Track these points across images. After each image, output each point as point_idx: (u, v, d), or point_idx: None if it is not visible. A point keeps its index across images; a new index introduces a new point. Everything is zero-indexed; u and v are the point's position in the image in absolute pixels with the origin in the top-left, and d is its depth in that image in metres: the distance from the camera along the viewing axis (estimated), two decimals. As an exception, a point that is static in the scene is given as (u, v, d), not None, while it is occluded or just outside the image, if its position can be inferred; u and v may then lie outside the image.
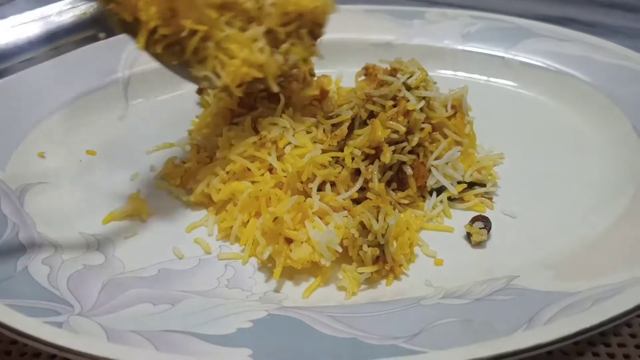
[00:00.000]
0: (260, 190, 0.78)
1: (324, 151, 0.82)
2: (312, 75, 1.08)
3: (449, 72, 1.16)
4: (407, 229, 0.77)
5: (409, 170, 0.84)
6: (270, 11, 0.81)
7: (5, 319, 0.58)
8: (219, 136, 0.93)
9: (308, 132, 0.85)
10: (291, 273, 0.72)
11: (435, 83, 1.00)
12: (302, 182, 0.79)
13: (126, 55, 1.16)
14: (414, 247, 0.77)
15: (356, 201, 0.81)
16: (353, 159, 0.82)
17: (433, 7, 1.31)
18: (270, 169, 0.81)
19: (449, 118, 0.91)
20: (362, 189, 0.82)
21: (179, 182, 0.89)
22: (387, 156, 0.81)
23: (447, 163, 0.86)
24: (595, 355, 0.67)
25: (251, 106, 0.99)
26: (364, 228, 0.73)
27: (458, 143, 0.91)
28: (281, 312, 0.63)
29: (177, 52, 0.80)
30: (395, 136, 0.83)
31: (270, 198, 0.78)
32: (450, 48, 1.20)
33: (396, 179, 0.85)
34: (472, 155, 0.90)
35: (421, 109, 0.86)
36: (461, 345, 0.55)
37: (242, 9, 0.79)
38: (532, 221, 0.81)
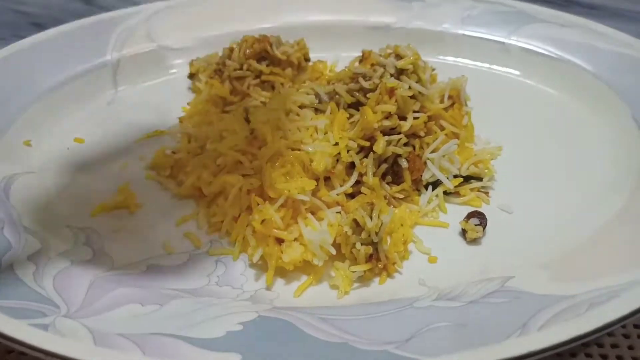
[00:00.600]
0: (251, 184, 0.76)
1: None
2: (307, 60, 1.06)
3: (448, 58, 1.13)
4: (402, 225, 0.75)
5: (404, 163, 0.82)
6: None
7: (-11, 321, 0.57)
8: (210, 125, 0.91)
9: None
10: (283, 271, 0.71)
11: (433, 70, 0.97)
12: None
13: (115, 36, 1.13)
14: (408, 244, 0.75)
15: (350, 195, 0.80)
16: (348, 151, 0.80)
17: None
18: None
19: (446, 109, 0.89)
20: (357, 183, 0.80)
21: (168, 172, 0.87)
22: (380, 146, 0.79)
23: (443, 156, 0.84)
24: (588, 356, 0.67)
25: (243, 94, 0.97)
26: (357, 225, 0.71)
27: (455, 135, 0.89)
28: (272, 313, 0.62)
29: None
30: (387, 123, 0.81)
31: (261, 193, 0.76)
32: (450, 32, 1.17)
33: (391, 172, 0.83)
34: (469, 147, 0.88)
35: (414, 96, 0.84)
36: (453, 352, 0.54)
37: None
38: (528, 217, 0.80)
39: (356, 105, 0.85)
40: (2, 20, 1.45)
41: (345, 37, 1.18)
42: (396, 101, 0.82)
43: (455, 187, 0.83)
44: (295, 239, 0.72)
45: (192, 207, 0.82)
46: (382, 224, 0.71)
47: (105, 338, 0.57)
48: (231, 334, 0.59)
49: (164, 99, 1.05)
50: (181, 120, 0.98)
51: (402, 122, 0.82)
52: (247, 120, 0.88)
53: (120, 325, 0.59)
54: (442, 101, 0.90)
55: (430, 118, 0.87)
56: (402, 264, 0.73)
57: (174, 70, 1.12)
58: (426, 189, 0.84)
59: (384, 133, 0.82)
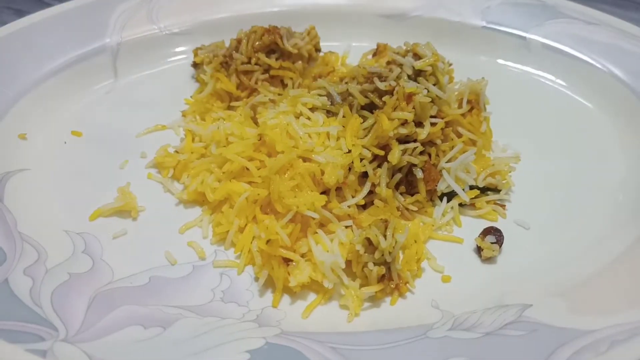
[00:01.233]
0: (259, 194, 0.72)
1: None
2: (318, 50, 1.01)
3: (466, 53, 1.07)
4: (415, 241, 0.72)
5: (419, 173, 0.78)
6: None
7: (-17, 345, 0.54)
8: (215, 121, 0.86)
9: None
10: (291, 290, 0.68)
11: (450, 65, 0.92)
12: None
13: (115, 17, 1.06)
14: (421, 262, 0.72)
15: (362, 206, 0.77)
16: (361, 160, 0.76)
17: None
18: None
19: (464, 115, 0.85)
20: (369, 193, 0.77)
21: (171, 173, 0.83)
22: (395, 155, 0.76)
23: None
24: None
25: (251, 89, 0.93)
26: (370, 244, 0.68)
27: (472, 142, 0.85)
28: (280, 340, 0.60)
29: None
30: (404, 131, 0.76)
31: (269, 202, 0.72)
32: (468, 24, 1.10)
33: (405, 182, 0.79)
34: (486, 156, 0.84)
35: (432, 100, 0.79)
36: (470, 395, 0.52)
37: None
38: (546, 235, 0.77)
39: (370, 107, 0.80)
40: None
41: (357, 25, 1.13)
42: (414, 107, 0.77)
43: (471, 199, 0.80)
44: (303, 254, 0.69)
45: (196, 212, 0.79)
46: (396, 243, 0.68)
47: (106, 367, 0.54)
48: (237, 364, 0.56)
49: (166, 88, 1.00)
50: (184, 114, 0.94)
51: (418, 130, 0.78)
52: (255, 120, 0.83)
53: (122, 352, 0.57)
54: (460, 106, 0.85)
55: (447, 124, 0.83)
56: (415, 283, 0.70)
57: (176, 58, 1.06)
58: (441, 200, 0.80)
59: (399, 141, 0.77)
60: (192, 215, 0.78)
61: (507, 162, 0.84)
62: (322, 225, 0.72)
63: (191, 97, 0.98)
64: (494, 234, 0.74)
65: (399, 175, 0.78)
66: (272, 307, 0.66)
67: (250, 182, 0.75)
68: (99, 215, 0.77)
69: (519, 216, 0.79)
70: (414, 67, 0.81)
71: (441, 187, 0.80)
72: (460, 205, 0.80)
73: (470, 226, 0.78)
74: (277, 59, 0.93)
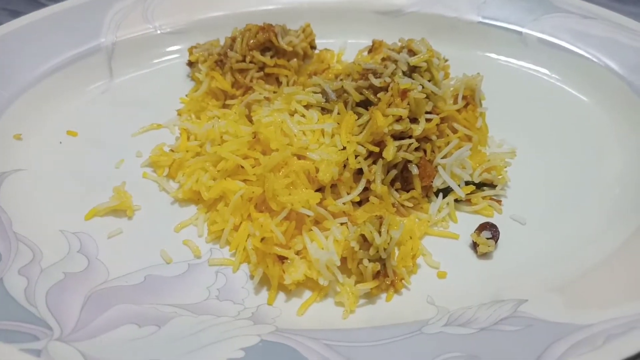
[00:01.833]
0: (253, 192, 0.72)
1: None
2: (314, 48, 1.01)
3: (462, 48, 1.06)
4: (410, 237, 0.72)
5: (414, 170, 0.78)
6: None
7: (-22, 345, 0.54)
8: (210, 120, 0.86)
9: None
10: (286, 287, 0.68)
11: (446, 61, 0.92)
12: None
13: (110, 17, 1.06)
14: (417, 258, 0.72)
15: (357, 203, 0.77)
16: (356, 157, 0.76)
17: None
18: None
19: (459, 110, 0.84)
20: (364, 190, 0.77)
21: (166, 172, 0.83)
22: (390, 152, 0.75)
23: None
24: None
25: (246, 87, 0.92)
26: (365, 241, 0.68)
27: (468, 137, 0.84)
28: (275, 338, 0.60)
29: None
30: (398, 127, 0.76)
31: (263, 200, 0.72)
32: (464, 19, 1.10)
33: (400, 178, 0.79)
34: (481, 152, 0.84)
35: (427, 96, 0.79)
36: (465, 390, 0.52)
37: None
38: (542, 230, 0.76)
39: (365, 104, 0.80)
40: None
41: (353, 22, 1.12)
42: (408, 103, 0.77)
43: (467, 194, 0.79)
44: (298, 252, 0.69)
45: (192, 210, 0.79)
46: (391, 240, 0.68)
47: (100, 366, 0.54)
48: (232, 361, 0.56)
49: (161, 87, 1.00)
50: (179, 113, 0.94)
51: (413, 126, 0.78)
52: (250, 118, 0.83)
53: (117, 351, 0.57)
54: (455, 102, 0.85)
55: (442, 120, 0.82)
56: (410, 279, 0.70)
57: (171, 57, 1.06)
58: (436, 196, 0.80)
59: (394, 137, 0.77)
60: (187, 213, 0.78)
61: (503, 158, 0.84)
62: (317, 222, 0.72)
63: (186, 95, 0.98)
64: (489, 229, 0.74)
65: (394, 172, 0.78)
66: (267, 304, 0.66)
67: (245, 180, 0.75)
68: (95, 215, 0.77)
69: (515, 212, 0.79)
70: (408, 64, 0.81)
71: (437, 183, 0.80)
72: (456, 201, 0.80)
73: (466, 222, 0.78)
74: (272, 57, 0.92)
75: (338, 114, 0.79)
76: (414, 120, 0.79)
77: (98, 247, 0.72)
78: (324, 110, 0.81)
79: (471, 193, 0.80)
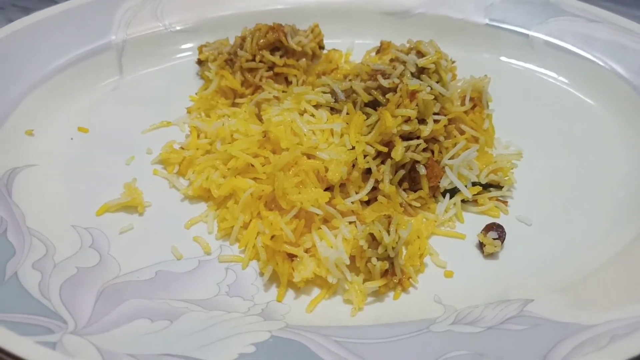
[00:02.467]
0: (263, 190, 0.73)
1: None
2: (322, 48, 1.01)
3: (469, 50, 1.07)
4: (418, 237, 0.73)
5: (422, 170, 0.79)
6: None
7: (-5, 337, 0.55)
8: (220, 118, 0.87)
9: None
10: (295, 284, 0.69)
11: (453, 62, 0.93)
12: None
13: (120, 14, 1.07)
14: (424, 257, 0.73)
15: (366, 202, 0.77)
16: (365, 156, 0.77)
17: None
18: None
19: (466, 112, 0.85)
20: (373, 189, 0.78)
21: (177, 169, 0.84)
22: (398, 152, 0.76)
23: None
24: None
25: (255, 86, 0.93)
26: (373, 239, 0.69)
27: (475, 139, 0.85)
28: (285, 334, 0.61)
29: None
30: (407, 128, 0.77)
31: (273, 199, 0.73)
32: (472, 21, 1.11)
33: (408, 178, 0.80)
34: (488, 153, 0.85)
35: (435, 98, 0.80)
36: (472, 387, 0.53)
37: None
38: (548, 231, 0.77)
39: (373, 104, 0.81)
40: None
41: (360, 22, 1.13)
42: (417, 104, 0.78)
43: (474, 195, 0.80)
44: (307, 250, 0.70)
45: (202, 207, 0.80)
46: (399, 239, 0.69)
47: (114, 358, 0.55)
48: (243, 356, 0.57)
49: (171, 85, 1.01)
50: (189, 110, 0.94)
51: (422, 127, 0.79)
52: (259, 117, 0.84)
53: (130, 345, 0.57)
54: (463, 103, 0.86)
55: (450, 121, 0.83)
56: (417, 278, 0.71)
57: (181, 55, 1.07)
58: (443, 197, 0.81)
59: (403, 137, 0.78)
60: (197, 210, 0.79)
61: (509, 159, 0.85)
62: (325, 221, 0.73)
63: (196, 94, 0.98)
64: (496, 230, 0.75)
65: (402, 172, 0.79)
66: (276, 301, 0.67)
67: (254, 179, 0.76)
68: (106, 211, 0.78)
69: (521, 212, 0.80)
70: (417, 65, 0.82)
71: (444, 184, 0.80)
72: (463, 201, 0.81)
73: (473, 222, 0.79)
74: (281, 57, 0.93)
75: (347, 114, 0.80)
76: (422, 121, 0.80)
77: (110, 243, 0.73)
78: (333, 110, 0.82)
79: (478, 194, 0.81)
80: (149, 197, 0.80)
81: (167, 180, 0.84)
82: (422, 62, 0.82)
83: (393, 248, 0.68)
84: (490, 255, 0.74)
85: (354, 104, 0.81)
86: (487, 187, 0.82)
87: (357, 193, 0.76)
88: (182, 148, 0.85)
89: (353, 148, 0.77)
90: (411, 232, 0.71)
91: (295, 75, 0.94)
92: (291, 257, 0.68)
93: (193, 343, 0.58)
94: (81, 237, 0.73)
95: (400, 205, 0.79)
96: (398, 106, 0.77)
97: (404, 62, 0.83)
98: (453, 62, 0.93)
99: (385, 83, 0.80)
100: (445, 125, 0.82)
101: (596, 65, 1.01)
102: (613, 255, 0.71)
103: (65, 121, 0.91)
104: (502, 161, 0.84)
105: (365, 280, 0.69)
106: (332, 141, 0.77)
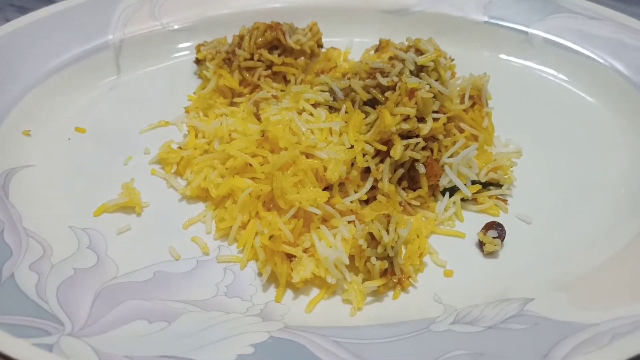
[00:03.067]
0: (262, 189, 0.72)
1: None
2: (320, 46, 1.01)
3: (468, 48, 1.07)
4: (418, 236, 0.73)
5: (421, 169, 0.79)
6: None
7: (-9, 340, 0.55)
8: (218, 117, 0.87)
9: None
10: (294, 284, 0.68)
11: (452, 60, 0.93)
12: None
13: (118, 14, 1.07)
14: (424, 257, 0.73)
15: (365, 201, 0.77)
16: (364, 155, 0.76)
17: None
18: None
19: (465, 110, 0.85)
20: (372, 188, 0.77)
21: (175, 169, 0.83)
22: (397, 151, 0.76)
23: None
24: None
25: (254, 85, 0.93)
26: (372, 239, 0.68)
27: (474, 137, 0.85)
28: (284, 334, 0.60)
29: None
30: (406, 126, 0.77)
31: (272, 198, 0.73)
32: (471, 19, 1.10)
33: (407, 177, 0.80)
34: (488, 151, 0.85)
35: (434, 96, 0.79)
36: (472, 387, 0.53)
37: None
38: (548, 230, 0.77)
39: (372, 103, 0.80)
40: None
41: (359, 21, 1.12)
42: (416, 103, 0.77)
43: (473, 194, 0.80)
44: (306, 250, 0.69)
45: (200, 207, 0.79)
46: (399, 238, 0.68)
47: (111, 360, 0.55)
48: (242, 357, 0.57)
49: (168, 84, 1.01)
50: (187, 110, 0.94)
51: (421, 125, 0.78)
52: (257, 116, 0.84)
53: (127, 346, 0.57)
54: (462, 101, 0.85)
55: (449, 119, 0.83)
56: (417, 278, 0.71)
57: (179, 54, 1.06)
58: (443, 195, 0.81)
59: (402, 136, 0.78)
60: (195, 210, 0.79)
61: (509, 157, 0.84)
62: (324, 220, 0.73)
63: (194, 93, 0.98)
64: (496, 228, 0.75)
65: (401, 171, 0.78)
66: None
67: (253, 178, 0.76)
68: (104, 211, 0.77)
69: (520, 211, 0.80)
70: (416, 63, 0.82)
71: (443, 182, 0.80)
72: (463, 200, 0.80)
73: (472, 221, 0.78)
74: (279, 55, 0.93)
75: (346, 112, 0.79)
76: (421, 119, 0.79)
77: (107, 243, 0.73)
78: (332, 109, 0.81)
79: (477, 192, 0.80)
80: (146, 197, 0.80)
81: (165, 180, 0.83)
82: (421, 60, 0.81)
83: (392, 247, 0.68)
84: (490, 254, 0.74)
85: (353, 102, 0.80)
86: (486, 185, 0.82)
87: (356, 192, 0.76)
88: (180, 148, 0.85)
89: (352, 147, 0.76)
90: (410, 231, 0.70)
91: (294, 74, 0.94)
92: (290, 257, 0.68)
93: (191, 344, 0.58)
94: (78, 238, 0.73)
95: (400, 204, 0.78)
96: (397, 104, 0.77)
97: (402, 60, 0.82)
98: (452, 60, 0.93)
99: (384, 81, 0.79)
100: (444, 124, 0.81)
101: (596, 63, 1.00)
102: (613, 254, 0.71)
103: (63, 121, 0.91)
104: (502, 159, 0.84)
105: (364, 280, 0.68)
106: (331, 140, 0.77)
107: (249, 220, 0.74)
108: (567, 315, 0.61)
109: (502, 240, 0.74)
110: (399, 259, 0.69)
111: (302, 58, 0.95)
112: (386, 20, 1.12)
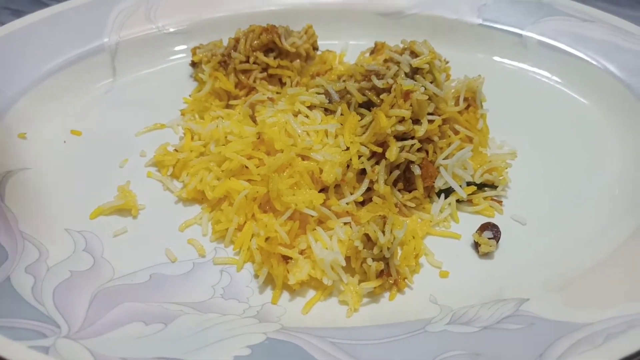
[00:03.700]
0: (257, 191, 0.73)
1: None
2: (316, 49, 1.01)
3: (463, 51, 1.07)
4: (413, 237, 0.73)
5: (417, 170, 0.79)
6: None
7: (-13, 343, 0.55)
8: (213, 120, 0.87)
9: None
10: (290, 286, 0.68)
11: (447, 63, 0.93)
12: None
13: (113, 17, 1.07)
14: (420, 258, 0.73)
15: (360, 203, 0.77)
16: (359, 157, 0.76)
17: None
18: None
19: (460, 112, 0.85)
20: (367, 190, 0.78)
21: (171, 171, 0.83)
22: (393, 152, 0.76)
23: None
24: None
25: (249, 88, 0.93)
26: (368, 240, 0.69)
27: (469, 138, 0.85)
28: (280, 335, 0.60)
29: None
30: (401, 128, 0.77)
31: (268, 200, 0.73)
32: (465, 21, 1.11)
33: (403, 178, 0.80)
34: (482, 153, 0.85)
35: (429, 98, 0.80)
36: (468, 387, 0.53)
37: None
38: (542, 230, 0.77)
39: (367, 105, 0.81)
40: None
41: (354, 23, 1.13)
42: (411, 105, 0.78)
43: (469, 195, 0.80)
44: (302, 251, 0.69)
45: (196, 209, 0.80)
46: (394, 239, 0.68)
47: (108, 362, 0.55)
48: (239, 359, 0.57)
49: (164, 87, 1.01)
50: (183, 112, 0.94)
51: (416, 127, 0.79)
52: (253, 119, 0.84)
53: (124, 348, 0.57)
54: (457, 103, 0.86)
55: (444, 121, 0.83)
56: (413, 279, 0.71)
57: (175, 57, 1.06)
58: (438, 197, 0.81)
59: (397, 138, 0.78)
60: (191, 213, 0.79)
61: (503, 159, 0.85)
62: (320, 222, 0.73)
63: (190, 95, 0.98)
64: (491, 229, 0.75)
65: (396, 172, 0.79)
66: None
67: (249, 180, 0.76)
68: (100, 214, 0.77)
69: (515, 212, 0.80)
70: (411, 65, 0.82)
71: (439, 184, 0.80)
72: (458, 201, 0.81)
73: (468, 222, 0.79)
74: (275, 58, 0.93)
75: (341, 114, 0.80)
76: (416, 121, 0.80)
77: (103, 246, 0.73)
78: (327, 111, 0.82)
79: (472, 193, 0.81)
80: (142, 199, 0.80)
81: (161, 182, 0.83)
82: (416, 62, 0.82)
83: (388, 248, 0.68)
84: (486, 255, 0.74)
85: (348, 104, 0.81)
86: (481, 186, 0.82)
87: (351, 194, 0.76)
88: (176, 150, 0.85)
89: (347, 149, 0.76)
90: (406, 232, 0.71)
91: (289, 77, 0.94)
92: (286, 259, 0.68)
93: (188, 346, 0.58)
94: (74, 241, 0.73)
95: (395, 205, 0.79)
96: (392, 106, 0.77)
97: (397, 63, 0.83)
98: (447, 62, 0.93)
99: (379, 83, 0.80)
100: (439, 126, 0.82)
101: (589, 65, 1.01)
102: (608, 254, 0.71)
103: (58, 124, 0.91)
104: (497, 161, 0.84)
105: (360, 281, 0.69)
106: (327, 142, 0.77)
107: (245, 222, 0.74)
108: (562, 315, 0.62)
109: (497, 241, 0.75)
110: (395, 260, 0.69)
111: (298, 61, 0.95)
112: (381, 22, 1.12)
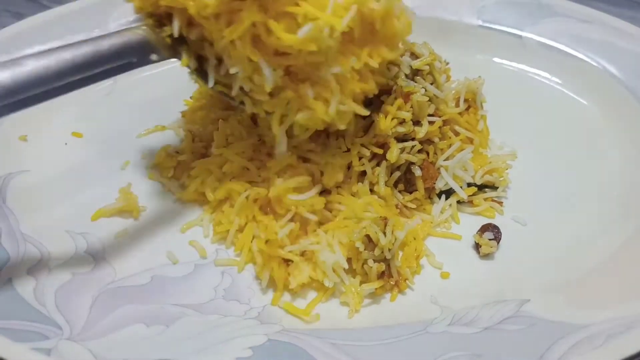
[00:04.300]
0: (258, 193, 0.73)
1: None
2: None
3: (462, 52, 1.08)
4: (414, 238, 0.73)
5: (417, 171, 0.79)
6: None
7: (-11, 344, 0.55)
8: (215, 122, 0.87)
9: None
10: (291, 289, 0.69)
11: (447, 64, 0.93)
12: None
13: (115, 19, 1.07)
14: (421, 259, 0.73)
15: (361, 204, 0.78)
16: (360, 158, 0.77)
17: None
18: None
19: (461, 113, 0.86)
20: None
21: (172, 173, 0.84)
22: (393, 154, 0.76)
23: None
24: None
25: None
26: (369, 241, 0.69)
27: (469, 140, 0.85)
28: (281, 337, 0.61)
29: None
30: (402, 130, 0.77)
31: (268, 202, 0.73)
32: (465, 23, 1.11)
33: (403, 180, 0.80)
34: (483, 154, 0.85)
35: (429, 99, 0.80)
36: (470, 388, 0.53)
37: None
38: (543, 231, 0.77)
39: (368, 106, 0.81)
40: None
41: (354, 25, 1.13)
42: (411, 106, 0.78)
43: (469, 196, 0.81)
44: (303, 253, 0.70)
45: (197, 211, 0.80)
46: (396, 240, 0.69)
47: (110, 364, 0.55)
48: (240, 360, 0.57)
49: (165, 89, 1.01)
50: (184, 114, 0.94)
51: (416, 128, 0.79)
52: (254, 121, 0.84)
53: (125, 350, 0.57)
54: (457, 105, 0.86)
55: (445, 122, 0.83)
56: (414, 280, 0.71)
57: (175, 59, 1.06)
58: (439, 198, 0.81)
59: (398, 139, 0.78)
60: (192, 214, 0.79)
61: (504, 160, 0.85)
62: (321, 223, 0.73)
63: (191, 97, 0.98)
64: (491, 230, 0.75)
65: (397, 174, 0.79)
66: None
67: (250, 182, 0.76)
68: (101, 216, 0.77)
69: (516, 213, 0.80)
70: (411, 67, 0.82)
71: (439, 185, 0.81)
72: (458, 202, 0.81)
73: (469, 223, 0.79)
74: (275, 59, 0.93)
75: (342, 116, 0.80)
76: (416, 122, 0.80)
77: (105, 248, 0.73)
78: (328, 113, 0.82)
79: (473, 195, 0.81)
80: (144, 201, 0.80)
81: (162, 184, 0.83)
82: (416, 64, 0.82)
83: (389, 250, 0.68)
84: (486, 256, 0.75)
85: None
86: (482, 187, 0.82)
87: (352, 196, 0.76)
88: (177, 152, 0.85)
89: (348, 150, 0.77)
90: (407, 233, 0.71)
91: (290, 79, 0.94)
92: (287, 261, 0.68)
93: (189, 347, 0.58)
94: (76, 243, 0.73)
95: (396, 207, 0.79)
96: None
97: (398, 64, 0.83)
98: (447, 63, 0.93)
99: None
100: (440, 127, 0.82)
101: (589, 66, 1.01)
102: (608, 255, 0.71)
103: (59, 126, 0.91)
104: (497, 162, 0.84)
105: (361, 283, 0.69)
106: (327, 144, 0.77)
107: (246, 223, 0.74)
108: (562, 316, 0.62)
109: (498, 242, 0.75)
110: (396, 262, 0.70)
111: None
112: (381, 24, 1.12)
